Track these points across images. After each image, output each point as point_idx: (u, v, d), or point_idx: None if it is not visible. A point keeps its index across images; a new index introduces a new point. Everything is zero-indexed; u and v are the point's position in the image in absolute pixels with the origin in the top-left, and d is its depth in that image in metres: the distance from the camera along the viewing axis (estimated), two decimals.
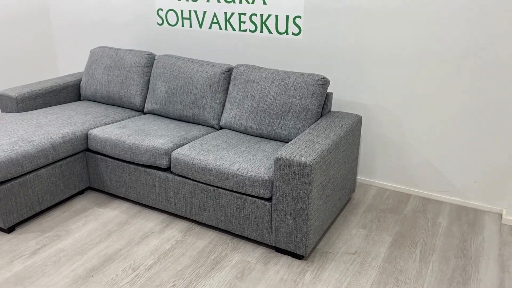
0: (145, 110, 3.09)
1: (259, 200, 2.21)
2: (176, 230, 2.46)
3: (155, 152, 2.46)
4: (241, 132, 2.73)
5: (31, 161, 2.38)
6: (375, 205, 2.77)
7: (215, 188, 2.33)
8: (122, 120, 2.97)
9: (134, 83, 3.10)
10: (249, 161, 2.27)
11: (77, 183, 2.73)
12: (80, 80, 3.36)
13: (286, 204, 2.12)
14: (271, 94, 2.61)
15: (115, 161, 2.65)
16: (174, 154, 2.41)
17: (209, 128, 2.84)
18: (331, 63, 2.89)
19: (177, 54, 3.46)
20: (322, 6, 2.80)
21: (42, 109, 3.01)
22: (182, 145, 2.55)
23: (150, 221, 2.54)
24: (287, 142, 2.59)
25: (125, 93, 3.12)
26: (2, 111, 3.04)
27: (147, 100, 3.07)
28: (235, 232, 2.35)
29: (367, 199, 2.85)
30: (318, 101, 2.53)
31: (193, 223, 2.53)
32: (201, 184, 2.38)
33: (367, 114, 2.89)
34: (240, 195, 2.26)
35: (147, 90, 3.12)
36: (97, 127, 2.79)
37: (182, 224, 2.52)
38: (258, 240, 2.29)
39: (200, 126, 2.85)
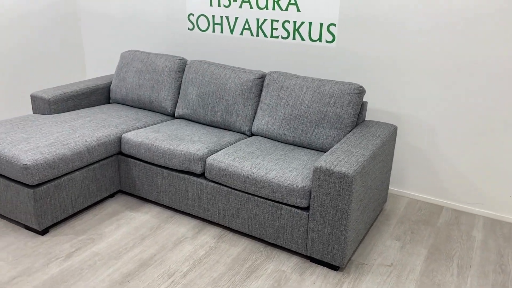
0: (175, 114, 3.10)
1: (295, 209, 2.19)
2: (208, 236, 2.45)
3: (190, 157, 2.45)
4: (273, 140, 2.72)
5: (67, 163, 2.40)
6: (407, 216, 2.74)
7: (250, 196, 2.32)
8: (154, 124, 2.98)
9: (165, 87, 3.11)
10: (286, 170, 2.25)
11: (108, 186, 2.74)
12: (110, 83, 3.38)
13: (324, 214, 2.10)
14: (305, 102, 2.60)
15: (148, 165, 2.66)
16: (209, 160, 2.41)
17: (241, 134, 2.83)
18: (365, 72, 2.86)
19: (207, 60, 3.46)
20: (358, 15, 2.78)
21: (74, 112, 3.03)
22: (216, 151, 2.54)
23: (182, 226, 2.54)
24: (321, 151, 2.57)
25: (156, 97, 3.13)
26: (34, 112, 3.07)
27: (178, 105, 3.08)
28: (268, 241, 2.34)
29: (399, 210, 2.81)
30: (354, 110, 2.51)
31: (225, 230, 2.52)
32: (235, 191, 2.37)
33: (400, 124, 2.86)
34: (275, 203, 2.25)
35: (178, 95, 3.13)
36: (130, 131, 2.80)
37: (214, 230, 2.51)
38: (293, 249, 2.27)
39: (232, 132, 2.84)
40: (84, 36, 4.08)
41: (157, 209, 2.72)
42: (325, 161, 2.07)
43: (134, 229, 2.49)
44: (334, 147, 2.26)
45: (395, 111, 2.85)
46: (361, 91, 2.52)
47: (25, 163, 2.21)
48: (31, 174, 2.22)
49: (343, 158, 2.09)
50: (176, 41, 3.56)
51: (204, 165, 2.46)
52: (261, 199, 2.29)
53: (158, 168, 2.62)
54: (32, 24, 3.64)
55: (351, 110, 2.51)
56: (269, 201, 2.26)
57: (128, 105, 3.30)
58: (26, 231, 2.44)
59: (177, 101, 3.13)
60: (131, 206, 2.74)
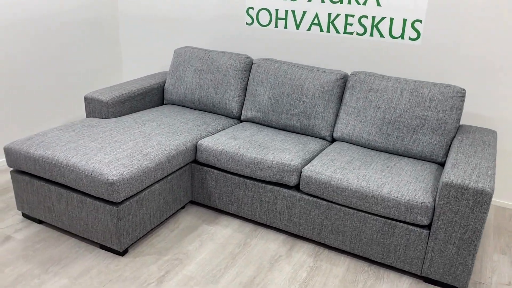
0: (242, 117, 2.86)
1: (413, 227, 2.00)
2: (303, 254, 2.24)
3: (283, 168, 2.24)
4: (361, 146, 2.52)
5: (149, 176, 2.16)
6: (502, 226, 2.57)
7: (355, 211, 2.12)
8: (223, 129, 2.74)
9: (230, 88, 2.87)
10: (399, 183, 2.06)
11: (182, 198, 2.50)
12: (163, 82, 3.12)
13: (450, 233, 1.91)
14: (400, 106, 2.39)
15: (228, 175, 2.43)
16: (306, 171, 2.19)
17: (321, 140, 2.62)
18: (454, 72, 2.67)
19: (268, 57, 3.22)
20: (448, 10, 2.57)
21: (134, 115, 2.77)
22: (309, 161, 2.33)
23: (270, 242, 2.33)
24: (420, 159, 2.38)
25: (221, 99, 2.89)
26: (87, 116, 2.80)
27: (245, 107, 2.85)
28: (374, 259, 2.14)
29: (490, 219, 2.64)
30: (457, 115, 2.32)
31: (319, 246, 2.31)
32: (336, 206, 2.16)
33: (493, 128, 2.68)
34: (388, 220, 2.05)
35: (245, 96, 2.89)
36: (204, 137, 2.56)
37: (307, 247, 2.30)
38: (405, 269, 2.08)
39: (311, 138, 2.63)
40: (121, 32, 3.79)
41: (236, 222, 2.50)
42: (455, 175, 1.87)
43: (221, 246, 2.27)
44: (451, 158, 2.06)
45: (487, 115, 2.66)
46: (463, 95, 2.33)
47: (110, 179, 1.97)
48: (117, 190, 1.98)
49: (471, 172, 1.90)
50: (231, 37, 3.30)
51: (299, 176, 2.24)
52: (370, 215, 2.09)
53: (241, 178, 2.40)
54: (69, 24, 3.35)
55: (454, 115, 2.31)
56: (380, 218, 2.07)
57: (186, 107, 3.05)
58: (103, 251, 2.20)
59: (243, 103, 2.90)
60: (206, 219, 2.52)
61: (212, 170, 2.48)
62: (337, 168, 2.18)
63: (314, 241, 2.35)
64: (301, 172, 2.23)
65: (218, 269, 2.09)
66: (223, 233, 2.39)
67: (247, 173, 2.34)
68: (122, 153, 2.18)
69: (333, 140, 2.66)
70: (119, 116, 2.78)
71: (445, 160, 2.34)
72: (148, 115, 2.78)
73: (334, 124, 2.62)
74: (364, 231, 2.12)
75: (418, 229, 1.99)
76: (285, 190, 2.29)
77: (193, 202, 2.69)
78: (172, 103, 3.11)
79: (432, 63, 2.71)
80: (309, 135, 2.67)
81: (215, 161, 2.42)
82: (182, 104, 3.06)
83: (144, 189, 2.18)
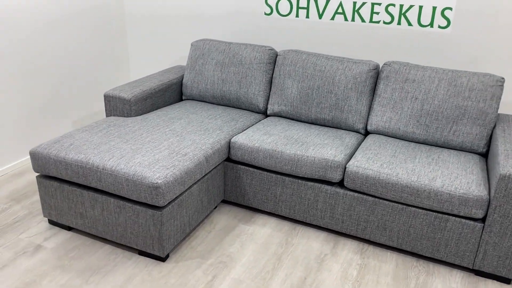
0: (268, 111, 2.78)
1: (466, 221, 1.96)
2: (348, 251, 2.19)
3: (326, 164, 2.17)
4: (398, 138, 2.46)
5: (190, 177, 2.06)
6: None
7: (405, 206, 2.07)
8: (252, 124, 2.65)
9: (255, 81, 2.78)
10: (449, 176, 2.01)
11: (216, 197, 2.42)
12: (181, 77, 3.00)
13: (506, 226, 1.88)
14: (438, 96, 2.35)
15: (264, 172, 2.35)
16: (352, 167, 2.13)
17: (355, 133, 2.56)
18: (487, 61, 2.63)
19: (289, 48, 3.13)
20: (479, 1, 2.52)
21: (158, 112, 2.66)
22: (351, 156, 2.27)
23: (312, 240, 2.27)
24: (461, 150, 2.34)
25: (245, 93, 2.79)
26: (107, 114, 2.67)
27: (271, 101, 2.76)
28: (424, 254, 2.10)
29: None
30: (497, 104, 2.28)
31: (363, 243, 2.26)
32: (383, 201, 2.11)
33: None
34: (439, 214, 2.01)
35: (270, 89, 2.80)
36: (235, 134, 2.47)
37: (351, 244, 2.25)
38: (456, 263, 2.05)
39: (345, 131, 2.56)
40: (128, 25, 3.63)
41: (273, 221, 2.43)
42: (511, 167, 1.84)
43: (262, 246, 2.20)
44: (501, 148, 2.03)
45: None
46: (503, 83, 2.29)
47: (155, 182, 1.86)
48: (162, 194, 1.88)
49: None
50: (247, 28, 3.19)
51: (343, 172, 2.18)
52: (420, 210, 2.04)
53: (279, 176, 2.32)
54: (77, 23, 3.17)
55: (494, 105, 2.28)
56: (431, 212, 2.02)
57: (207, 102, 2.95)
58: (142, 257, 2.10)
59: (268, 96, 2.81)
60: (242, 218, 2.44)
61: (247, 168, 2.39)
62: (383, 163, 2.12)
63: (357, 237, 2.30)
64: (345, 168, 2.17)
65: (266, 271, 2.02)
66: (262, 232, 2.32)
67: (287, 170, 2.27)
68: (159, 154, 2.07)
69: (366, 133, 2.60)
70: (142, 114, 2.66)
71: (486, 151, 2.31)
72: (173, 112, 2.66)
73: (368, 117, 2.56)
74: (414, 226, 2.07)
75: (471, 222, 1.95)
76: (328, 187, 2.22)
77: (224, 201, 2.60)
78: (192, 98, 3.00)
79: (463, 51, 2.66)
80: (341, 128, 2.61)
81: (251, 159, 2.34)
82: (202, 99, 2.95)
83: (185, 191, 2.08)
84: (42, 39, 2.91)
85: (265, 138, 2.35)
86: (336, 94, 2.56)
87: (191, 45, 3.03)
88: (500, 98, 2.29)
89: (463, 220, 1.97)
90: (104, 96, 2.64)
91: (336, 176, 2.18)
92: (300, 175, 2.25)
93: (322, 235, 2.32)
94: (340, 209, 2.22)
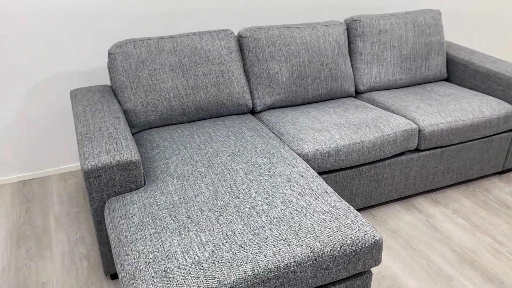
0: (259, 108, 2.26)
1: (504, 134, 2.33)
2: (431, 207, 2.23)
3: (407, 135, 2.05)
4: (390, 89, 2.53)
5: None
6: None
7: (464, 144, 2.24)
8: (266, 130, 2.12)
9: (235, 77, 2.17)
10: (479, 104, 2.28)
11: None
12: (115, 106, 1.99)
13: None
14: (409, 39, 2.51)
15: (340, 172, 2.00)
16: (427, 128, 2.10)
17: (354, 99, 2.44)
18: None
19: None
20: None
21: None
22: (409, 119, 2.20)
23: (401, 217, 2.17)
24: (435, 81, 2.63)
25: (228, 95, 2.15)
26: None
27: (258, 94, 2.25)
28: (473, 177, 2.38)
29: None
30: (443, 33, 2.64)
31: (429, 194, 2.34)
32: (448, 148, 2.21)
33: None
34: (487, 138, 2.29)
35: (250, 81, 2.25)
36: (281, 146, 1.92)
37: (424, 200, 2.29)
38: (491, 172, 2.43)
39: (347, 99, 2.42)
40: None
41: None
42: None
43: (411, 239, 1.96)
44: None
45: None
46: (441, 15, 2.64)
47: None
48: None
49: None
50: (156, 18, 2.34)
51: (418, 136, 2.11)
52: (474, 141, 2.27)
53: (355, 169, 2.03)
54: None
55: (442, 34, 2.63)
56: (482, 139, 2.28)
57: (176, 124, 2.10)
58: None
59: (252, 90, 2.26)
60: None
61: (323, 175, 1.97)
62: (438, 113, 2.18)
63: (422, 192, 2.35)
64: (419, 131, 2.11)
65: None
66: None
67: (371, 158, 2.01)
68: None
69: (357, 93, 2.53)
70: None
71: (448, 76, 2.69)
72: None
73: (354, 77, 2.48)
74: (469, 158, 2.29)
75: (506, 134, 2.33)
76: (403, 157, 2.12)
77: None
78: (150, 127, 2.07)
79: None
80: (337, 97, 2.43)
81: (331, 163, 1.92)
82: (167, 122, 2.08)
83: None
84: None
85: (326, 136, 1.95)
86: (328, 64, 2.33)
87: (110, 54, 2.00)
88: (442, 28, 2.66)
89: (502, 135, 2.33)
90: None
91: (415, 143, 2.10)
92: (384, 157, 2.05)
93: (398, 207, 2.25)
94: (413, 173, 2.19)
